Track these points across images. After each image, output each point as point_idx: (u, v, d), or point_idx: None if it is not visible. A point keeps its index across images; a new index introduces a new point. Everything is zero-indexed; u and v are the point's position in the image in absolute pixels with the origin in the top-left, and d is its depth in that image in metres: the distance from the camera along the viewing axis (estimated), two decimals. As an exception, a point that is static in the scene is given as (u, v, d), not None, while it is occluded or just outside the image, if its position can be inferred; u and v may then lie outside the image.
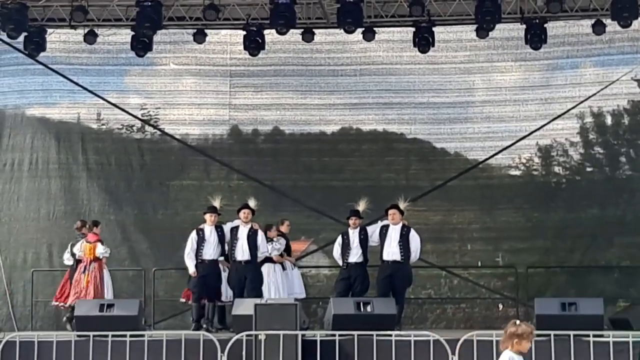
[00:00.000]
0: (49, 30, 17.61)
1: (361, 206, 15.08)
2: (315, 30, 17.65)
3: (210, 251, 15.04)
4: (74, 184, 19.32)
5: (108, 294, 15.72)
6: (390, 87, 19.48)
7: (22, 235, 19.07)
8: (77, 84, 19.18)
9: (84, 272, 15.63)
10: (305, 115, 19.61)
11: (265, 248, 15.21)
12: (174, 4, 16.98)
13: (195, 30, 17.60)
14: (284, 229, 16.14)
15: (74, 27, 17.48)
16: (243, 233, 15.03)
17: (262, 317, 12.55)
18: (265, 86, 19.62)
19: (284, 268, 15.74)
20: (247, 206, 15.23)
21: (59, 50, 18.85)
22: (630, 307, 15.60)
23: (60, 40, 18.69)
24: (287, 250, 16.00)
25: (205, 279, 15.03)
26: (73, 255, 15.99)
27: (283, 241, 15.81)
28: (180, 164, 19.86)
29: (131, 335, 12.75)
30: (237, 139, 19.84)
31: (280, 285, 15.47)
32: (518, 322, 7.64)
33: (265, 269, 15.43)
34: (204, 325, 14.87)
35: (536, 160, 19.43)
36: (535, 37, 16.97)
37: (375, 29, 17.39)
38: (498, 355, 12.06)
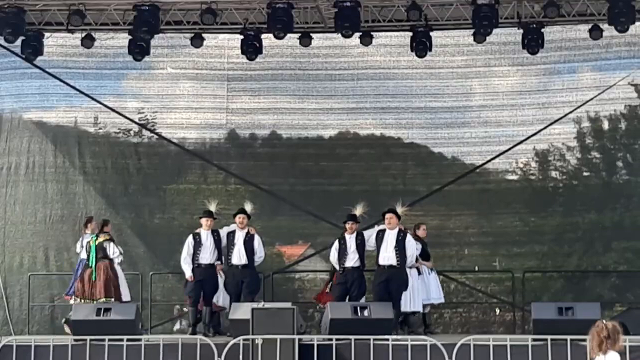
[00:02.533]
0: (46, 34, 17.58)
1: (358, 210, 15.08)
2: (313, 35, 17.64)
3: (207, 256, 15.04)
4: (71, 188, 19.31)
5: (125, 295, 15.54)
6: (387, 91, 19.49)
7: (19, 239, 19.06)
8: (74, 87, 19.18)
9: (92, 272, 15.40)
10: (303, 119, 19.61)
11: (261, 252, 15.22)
12: (172, 8, 16.96)
13: (192, 35, 17.59)
14: (421, 233, 16.03)
15: (71, 31, 17.45)
16: (239, 238, 15.04)
17: (259, 321, 12.55)
18: (263, 90, 19.62)
19: (419, 272, 15.60)
20: (243, 211, 15.23)
21: (56, 54, 18.85)
22: (627, 311, 15.58)
23: (58, 44, 18.67)
24: (423, 254, 15.80)
25: (202, 283, 15.02)
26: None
27: (419, 246, 15.65)
28: (178, 168, 19.86)
29: (128, 340, 12.74)
30: (234, 143, 19.84)
31: (415, 289, 15.38)
32: (605, 321, 7.43)
33: None
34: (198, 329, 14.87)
35: (533, 164, 19.46)
36: (533, 41, 16.97)
37: (372, 33, 17.39)
38: (495, 359, 12.09)
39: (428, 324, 15.76)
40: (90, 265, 15.28)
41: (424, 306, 15.58)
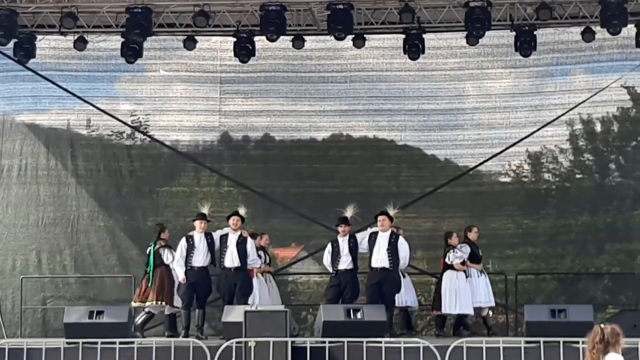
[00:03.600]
0: (39, 37, 17.58)
1: (349, 212, 15.07)
2: (306, 37, 17.65)
3: (200, 258, 15.04)
4: (63, 191, 19.27)
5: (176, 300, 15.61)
6: (380, 93, 19.49)
7: (11, 241, 19.02)
8: (66, 90, 19.14)
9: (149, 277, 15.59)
10: (296, 121, 19.61)
11: (254, 255, 15.22)
12: (164, 11, 16.95)
13: (185, 37, 17.58)
14: (472, 236, 16.02)
15: (63, 34, 17.43)
16: (232, 240, 15.03)
17: (252, 324, 12.55)
18: (256, 93, 19.62)
19: (467, 275, 15.56)
20: (236, 213, 15.24)
21: (48, 56, 18.82)
22: (620, 313, 15.60)
23: (50, 46, 18.65)
24: (472, 257, 15.76)
25: (195, 286, 15.02)
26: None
27: (467, 249, 15.70)
28: (170, 171, 19.84)
29: (121, 343, 12.73)
30: (227, 146, 19.82)
31: (462, 292, 15.39)
32: (602, 325, 7.43)
33: (448, 275, 15.49)
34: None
35: (526, 167, 19.47)
36: (525, 44, 17.00)
37: (365, 35, 17.39)
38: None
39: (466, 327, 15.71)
40: (147, 271, 15.57)
41: (480, 309, 15.60)
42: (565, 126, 19.09)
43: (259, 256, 15.82)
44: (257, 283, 15.58)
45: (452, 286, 15.42)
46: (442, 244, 18.26)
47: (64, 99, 19.39)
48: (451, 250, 15.58)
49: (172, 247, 15.61)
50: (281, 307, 13.31)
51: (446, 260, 15.63)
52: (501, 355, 12.24)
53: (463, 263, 15.57)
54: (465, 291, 15.41)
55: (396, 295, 15.14)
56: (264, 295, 15.63)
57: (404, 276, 15.50)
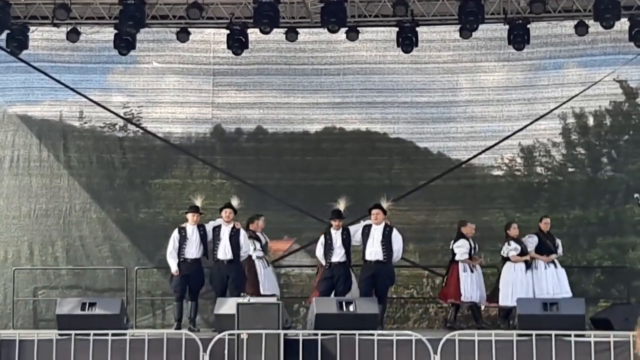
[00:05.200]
0: (32, 28, 17.53)
1: (341, 205, 15.08)
2: (299, 30, 17.65)
3: (193, 250, 15.05)
4: (56, 182, 19.23)
5: (266, 289, 15.62)
6: (373, 86, 19.48)
7: (3, 233, 18.98)
8: (59, 82, 19.10)
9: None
10: (289, 114, 19.59)
11: (247, 247, 15.23)
12: (158, 3, 16.94)
13: (178, 29, 17.56)
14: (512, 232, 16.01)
15: (56, 25, 17.39)
16: (225, 232, 15.05)
17: (244, 316, 12.56)
18: (249, 85, 19.59)
19: (528, 267, 15.56)
20: (229, 205, 15.25)
21: (41, 48, 18.77)
22: (612, 307, 15.65)
23: (43, 38, 18.60)
24: (541, 248, 15.77)
25: (188, 278, 15.02)
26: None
27: (535, 239, 15.73)
28: (163, 163, 19.81)
29: (113, 334, 12.73)
30: (220, 138, 19.80)
31: (518, 284, 15.40)
32: None
33: (505, 267, 15.55)
34: None
35: (518, 160, 19.48)
36: (518, 37, 17.02)
37: (358, 28, 17.39)
38: (479, 354, 12.13)
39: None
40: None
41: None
42: (558, 120, 19.12)
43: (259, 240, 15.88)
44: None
45: (509, 278, 15.42)
46: (434, 236, 18.33)
47: (57, 91, 19.35)
48: (506, 243, 15.66)
49: (258, 238, 15.66)
50: (274, 300, 13.31)
51: (502, 252, 15.70)
52: (493, 348, 12.27)
53: (523, 254, 15.51)
54: (522, 283, 15.38)
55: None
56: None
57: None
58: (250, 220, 16.02)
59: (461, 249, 16.01)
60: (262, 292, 15.45)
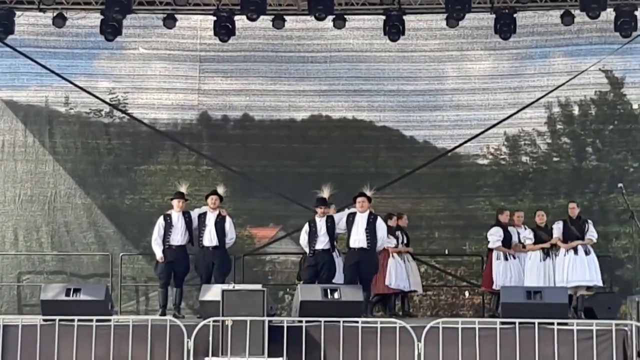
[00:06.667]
0: (18, 13, 17.47)
1: (325, 193, 15.09)
2: (286, 17, 17.63)
3: (178, 237, 15.02)
4: (41, 168, 19.21)
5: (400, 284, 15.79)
6: (360, 74, 19.49)
7: (-12, 218, 18.98)
8: (45, 67, 19.05)
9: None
10: (275, 101, 19.59)
11: (233, 234, 15.23)
12: (144, -12, 16.90)
13: (165, 15, 17.53)
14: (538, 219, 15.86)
15: (42, 10, 17.35)
16: (211, 219, 15.03)
17: (229, 303, 12.55)
18: (235, 72, 19.57)
19: (548, 255, 15.36)
20: (215, 193, 15.24)
21: (27, 33, 18.70)
22: (595, 296, 15.73)
23: (29, 23, 18.54)
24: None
25: (173, 264, 15.02)
26: None
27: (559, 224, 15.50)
28: (149, 149, 19.78)
29: (97, 320, 12.72)
30: (206, 125, 19.80)
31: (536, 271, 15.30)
32: None
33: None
34: None
35: (504, 149, 19.55)
36: (505, 26, 17.06)
37: (345, 16, 17.39)
38: (463, 342, 12.17)
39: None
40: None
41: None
42: (543, 109, 19.18)
43: (396, 237, 15.94)
44: (393, 263, 15.77)
45: (531, 265, 15.31)
46: (420, 225, 18.33)
47: (42, 76, 19.30)
48: (525, 230, 15.58)
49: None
50: (259, 287, 13.32)
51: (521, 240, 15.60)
52: (477, 336, 12.31)
53: (540, 242, 15.27)
54: (539, 271, 15.17)
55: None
56: (400, 276, 15.82)
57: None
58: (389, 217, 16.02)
59: (493, 236, 15.82)
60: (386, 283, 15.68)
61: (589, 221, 15.45)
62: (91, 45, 19.08)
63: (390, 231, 15.71)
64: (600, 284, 15.18)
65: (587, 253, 15.16)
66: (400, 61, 19.28)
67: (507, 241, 15.74)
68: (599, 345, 12.11)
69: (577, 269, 15.07)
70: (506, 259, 15.71)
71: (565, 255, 15.15)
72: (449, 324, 12.57)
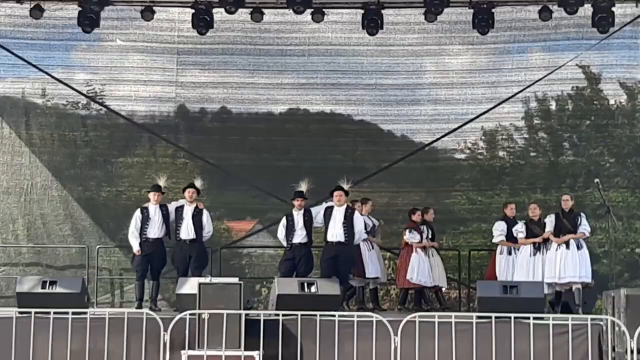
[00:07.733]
0: (-6, 4, 17.40)
1: (303, 187, 15.09)
2: (265, 10, 17.62)
3: (155, 230, 15.02)
4: (17, 160, 19.12)
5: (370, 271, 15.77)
6: (338, 68, 19.49)
7: (-36, 209, 18.88)
8: (21, 58, 18.93)
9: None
10: (253, 94, 19.56)
11: (210, 228, 15.23)
12: (122, -20, 16.84)
13: (143, 7, 17.49)
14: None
15: (20, 1, 17.27)
16: (188, 212, 15.04)
17: (206, 296, 12.54)
18: (213, 65, 19.52)
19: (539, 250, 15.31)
20: (192, 186, 15.23)
21: (4, 24, 18.61)
22: (571, 290, 15.78)
23: (6, 14, 18.46)
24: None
25: (150, 257, 15.00)
26: None
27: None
28: (126, 141, 19.71)
29: (73, 313, 12.68)
30: (183, 117, 19.75)
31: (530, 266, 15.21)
32: None
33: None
34: None
35: (481, 144, 19.60)
36: (483, 21, 17.12)
37: (324, 10, 17.41)
38: (439, 336, 12.21)
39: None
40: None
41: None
42: (520, 104, 19.24)
43: (420, 232, 15.97)
44: (416, 259, 15.77)
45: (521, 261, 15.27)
46: (397, 219, 18.33)
47: (19, 67, 19.19)
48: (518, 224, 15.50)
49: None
50: (236, 280, 13.31)
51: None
52: (453, 330, 12.34)
53: (532, 236, 15.14)
54: (527, 266, 15.08)
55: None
56: (423, 271, 15.82)
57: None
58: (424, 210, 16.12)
59: (496, 230, 15.80)
60: (366, 275, 15.65)
61: (582, 214, 15.29)
62: (68, 37, 18.97)
63: (415, 226, 15.74)
64: (589, 280, 14.97)
65: (579, 247, 14.94)
66: (378, 55, 19.28)
67: (511, 235, 15.65)
68: (575, 339, 12.17)
69: (569, 265, 14.87)
70: (510, 253, 15.67)
71: (557, 250, 14.96)
72: (425, 317, 12.61)
